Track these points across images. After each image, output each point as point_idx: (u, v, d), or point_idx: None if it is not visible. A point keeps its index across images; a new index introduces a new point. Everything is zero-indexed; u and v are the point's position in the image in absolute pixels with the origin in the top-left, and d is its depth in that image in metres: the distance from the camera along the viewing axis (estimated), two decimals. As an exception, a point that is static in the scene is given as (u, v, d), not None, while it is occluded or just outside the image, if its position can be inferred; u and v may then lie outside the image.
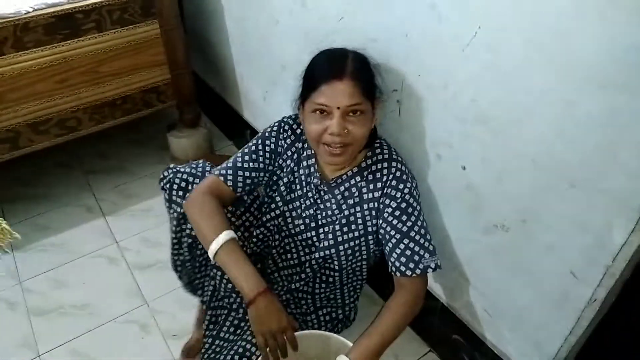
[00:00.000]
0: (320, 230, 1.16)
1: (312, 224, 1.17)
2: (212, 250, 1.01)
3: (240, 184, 1.13)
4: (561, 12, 0.74)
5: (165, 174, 1.20)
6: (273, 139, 1.16)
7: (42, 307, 1.57)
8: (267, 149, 1.15)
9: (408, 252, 1.03)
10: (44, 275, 1.68)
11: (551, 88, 0.80)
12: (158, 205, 1.95)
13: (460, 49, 0.93)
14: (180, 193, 1.16)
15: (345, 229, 1.12)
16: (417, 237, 1.04)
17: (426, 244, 1.04)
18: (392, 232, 1.05)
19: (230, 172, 1.13)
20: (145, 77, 1.83)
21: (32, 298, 1.60)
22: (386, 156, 1.08)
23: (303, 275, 1.21)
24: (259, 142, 1.16)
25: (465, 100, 0.97)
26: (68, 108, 1.71)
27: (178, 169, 1.19)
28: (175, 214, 1.17)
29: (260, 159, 1.15)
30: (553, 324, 0.99)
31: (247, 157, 1.14)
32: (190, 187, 1.15)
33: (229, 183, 1.12)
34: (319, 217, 1.16)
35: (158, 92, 1.90)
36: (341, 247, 1.13)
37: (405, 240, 1.04)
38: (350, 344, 1.03)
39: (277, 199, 1.17)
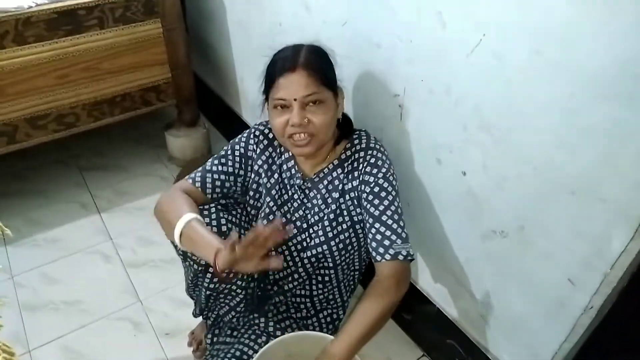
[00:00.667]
0: (311, 230, 1.17)
1: (304, 225, 1.17)
2: (177, 233, 0.97)
3: (209, 186, 1.13)
4: (567, 22, 0.76)
5: None
6: (242, 144, 1.17)
7: (34, 303, 1.56)
8: (237, 153, 1.16)
9: (379, 237, 1.02)
10: (36, 271, 1.66)
11: (554, 97, 0.81)
12: (153, 204, 1.91)
13: (464, 56, 0.94)
14: None
15: (334, 224, 1.13)
16: (390, 222, 1.02)
17: (399, 230, 1.02)
18: (367, 217, 1.05)
19: (199, 174, 1.14)
20: (146, 76, 1.83)
21: (23, 293, 1.59)
22: (363, 145, 1.10)
23: (296, 276, 1.21)
24: (229, 148, 1.18)
25: (467, 106, 0.98)
26: (67, 104, 1.70)
27: None
28: (191, 269, 1.13)
29: (229, 162, 1.15)
30: (548, 331, 1.00)
31: (216, 162, 1.15)
32: None
33: (197, 185, 1.12)
34: (309, 216, 1.16)
35: (158, 91, 1.90)
36: (332, 243, 1.14)
37: (377, 224, 1.03)
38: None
39: (271, 204, 1.17)
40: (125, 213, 1.92)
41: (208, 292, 1.16)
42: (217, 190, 1.14)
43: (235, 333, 1.23)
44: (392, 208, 1.04)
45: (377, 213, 1.04)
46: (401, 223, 1.04)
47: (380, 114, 1.21)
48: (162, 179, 2.08)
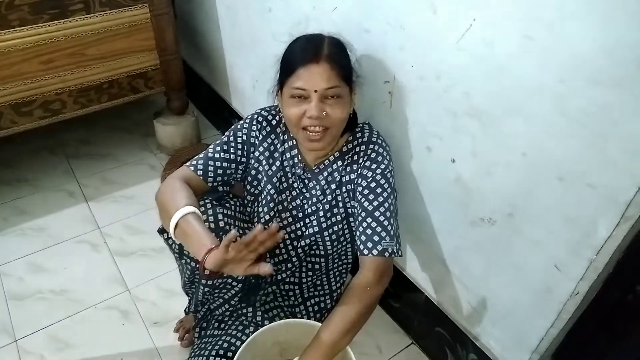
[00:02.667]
0: (307, 220, 1.16)
1: (300, 215, 1.17)
2: (172, 225, 0.94)
3: (210, 174, 1.10)
4: (557, 7, 0.75)
5: None
6: (245, 130, 1.15)
7: (20, 292, 1.54)
8: (239, 139, 1.14)
9: (369, 231, 1.02)
10: (23, 260, 1.64)
11: (543, 82, 0.81)
12: (142, 193, 1.93)
13: (454, 41, 0.93)
14: None
15: (329, 214, 1.12)
16: (381, 218, 1.02)
17: (388, 227, 1.02)
18: (359, 211, 1.05)
19: (200, 162, 1.11)
20: (133, 62, 1.80)
21: (9, 282, 1.57)
22: (365, 139, 1.09)
23: (290, 265, 1.21)
24: (231, 134, 1.15)
25: (457, 93, 0.97)
26: (52, 90, 1.68)
27: None
28: (188, 267, 1.12)
29: (232, 149, 1.13)
30: (535, 317, 1.01)
31: (218, 148, 1.13)
32: None
33: (199, 172, 1.09)
34: (306, 206, 1.16)
35: (146, 78, 1.87)
36: (326, 233, 1.14)
37: (369, 219, 1.03)
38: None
39: (272, 192, 1.16)
40: (114, 202, 1.90)
41: (206, 289, 1.15)
42: (219, 178, 1.12)
43: (222, 325, 1.22)
44: (386, 205, 1.04)
45: (370, 208, 1.03)
46: (392, 221, 1.04)
47: (370, 101, 1.20)
48: (150, 168, 2.06)
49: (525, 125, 0.87)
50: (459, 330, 1.24)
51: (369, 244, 1.01)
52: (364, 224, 1.03)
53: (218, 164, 1.11)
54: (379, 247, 1.00)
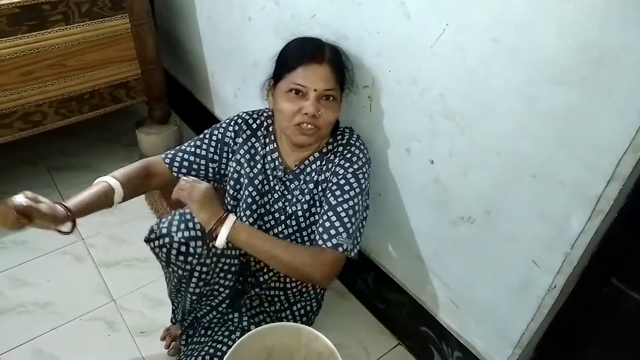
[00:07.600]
0: (288, 222, 1.18)
1: (282, 217, 1.18)
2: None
3: (176, 163, 1.16)
4: (523, 11, 0.78)
5: (156, 234, 1.08)
6: (222, 130, 1.19)
7: (2, 306, 1.51)
8: (214, 138, 1.18)
9: (327, 224, 1.03)
10: (4, 274, 1.62)
11: (513, 84, 0.84)
12: (126, 203, 1.90)
13: (428, 46, 0.96)
14: (182, 258, 1.07)
15: (307, 214, 1.15)
16: (342, 214, 1.04)
17: (348, 225, 1.03)
18: (324, 205, 1.07)
19: (172, 151, 1.18)
20: (114, 72, 1.80)
21: (-9, 297, 1.55)
22: (344, 141, 1.12)
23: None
24: (208, 131, 1.20)
25: (433, 96, 1.00)
26: (33, 101, 1.66)
27: (172, 230, 1.06)
28: (175, 275, 1.12)
29: (204, 146, 1.18)
30: (516, 312, 1.03)
31: (192, 142, 1.19)
32: (191, 250, 1.06)
33: (167, 160, 1.16)
34: (287, 207, 1.17)
35: (127, 88, 1.87)
36: (305, 233, 1.16)
37: (330, 213, 1.04)
38: (321, 335, 1.04)
39: (254, 194, 1.17)
40: (97, 212, 1.87)
41: (194, 297, 1.16)
42: (184, 170, 1.16)
43: (209, 332, 1.22)
44: (350, 203, 1.05)
45: (334, 203, 1.05)
46: (353, 220, 1.04)
47: (350, 105, 1.22)
48: (134, 178, 2.05)
49: (498, 125, 0.90)
50: (443, 328, 1.26)
51: (325, 235, 1.02)
52: (325, 217, 1.05)
53: (186, 156, 1.16)
54: (334, 241, 1.01)
